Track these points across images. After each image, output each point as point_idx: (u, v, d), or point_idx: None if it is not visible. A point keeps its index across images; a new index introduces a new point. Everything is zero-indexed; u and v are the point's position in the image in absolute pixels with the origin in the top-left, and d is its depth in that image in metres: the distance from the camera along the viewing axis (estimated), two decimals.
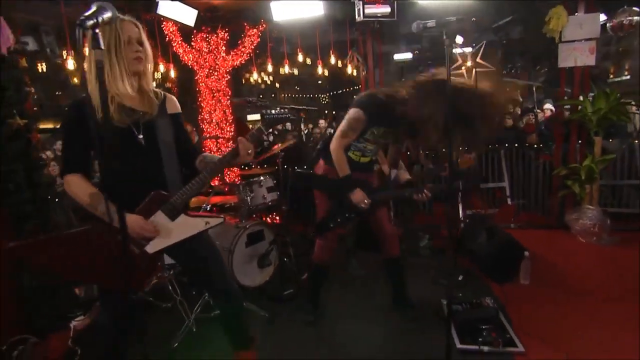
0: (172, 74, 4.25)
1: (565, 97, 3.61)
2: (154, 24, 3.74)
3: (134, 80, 1.49)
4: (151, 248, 1.48)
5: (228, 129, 4.44)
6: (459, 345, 2.16)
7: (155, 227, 1.46)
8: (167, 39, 3.84)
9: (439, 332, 2.31)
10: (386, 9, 3.51)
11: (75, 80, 7.71)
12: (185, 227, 1.50)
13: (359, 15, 3.47)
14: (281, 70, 4.66)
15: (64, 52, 3.46)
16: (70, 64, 3.27)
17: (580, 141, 3.62)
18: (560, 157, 3.73)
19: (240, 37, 4.20)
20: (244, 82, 7.60)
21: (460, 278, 2.97)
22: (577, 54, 3.32)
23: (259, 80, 6.93)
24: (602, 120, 3.22)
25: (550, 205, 3.97)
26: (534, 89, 4.93)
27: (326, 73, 4.34)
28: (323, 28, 4.10)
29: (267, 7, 3.90)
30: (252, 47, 4.19)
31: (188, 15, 3.80)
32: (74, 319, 2.68)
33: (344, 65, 4.05)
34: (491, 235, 2.99)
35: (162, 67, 4.04)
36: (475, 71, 3.52)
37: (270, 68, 4.44)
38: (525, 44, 5.28)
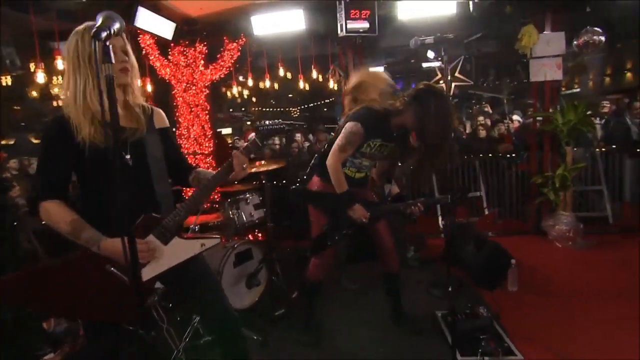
0: (149, 88, 4.09)
1: (531, 110, 3.83)
2: (130, 37, 3.59)
3: (118, 93, 1.37)
4: (144, 275, 1.34)
5: (207, 144, 4.32)
6: (459, 358, 2.16)
7: (150, 250, 1.34)
8: (144, 52, 3.71)
9: (439, 344, 2.35)
10: (365, 25, 3.59)
11: (34, 93, 7.23)
12: (179, 250, 1.40)
13: (341, 30, 3.52)
14: (261, 85, 4.61)
15: (32, 65, 3.23)
16: (41, 77, 3.04)
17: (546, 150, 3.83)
18: (535, 166, 3.92)
19: (219, 51, 4.13)
20: (228, 95, 7.43)
21: (450, 289, 2.99)
22: (547, 69, 3.53)
23: (236, 94, 6.82)
24: (572, 131, 3.42)
25: (528, 212, 4.14)
26: (505, 100, 5.19)
27: (307, 87, 4.34)
28: (304, 42, 4.11)
29: (248, 21, 3.87)
30: (232, 61, 4.12)
31: (166, 28, 3.69)
32: (43, 357, 2.46)
33: (326, 80, 4.08)
34: (480, 244, 3.06)
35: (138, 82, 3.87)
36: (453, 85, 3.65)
37: (250, 82, 4.38)
38: (496, 59, 5.58)
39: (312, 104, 15.17)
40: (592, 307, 2.61)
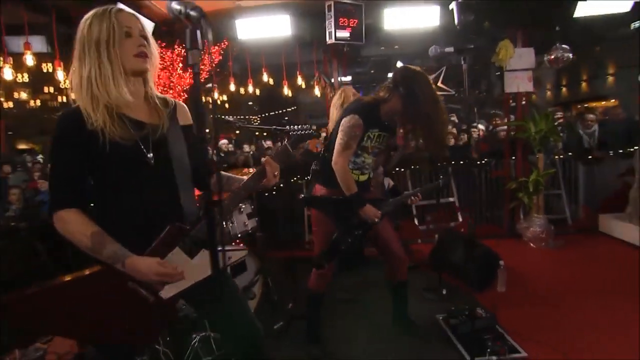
0: None
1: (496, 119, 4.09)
2: None
3: (136, 83, 1.23)
4: (166, 293, 1.22)
5: None
6: (467, 358, 2.20)
7: (176, 270, 1.19)
8: None
9: (445, 346, 2.38)
10: (346, 34, 3.63)
11: None
12: (205, 264, 1.22)
13: (330, 37, 3.53)
14: (242, 90, 4.48)
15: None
16: (8, 74, 2.68)
17: (511, 157, 4.10)
18: (508, 172, 4.17)
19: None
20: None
21: (444, 292, 3.07)
22: (519, 82, 3.80)
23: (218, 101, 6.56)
24: (543, 139, 3.70)
25: (503, 217, 4.38)
26: (475, 110, 5.50)
27: (290, 94, 4.29)
28: (289, 49, 4.08)
29: (231, 25, 3.76)
30: (213, 66, 3.97)
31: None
32: None
33: (311, 87, 4.06)
34: (470, 247, 3.17)
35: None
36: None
37: (232, 87, 4.24)
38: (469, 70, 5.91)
39: (270, 113, 15.01)
40: (577, 302, 2.80)
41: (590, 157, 4.80)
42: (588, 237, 4.12)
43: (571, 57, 3.64)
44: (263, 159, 1.39)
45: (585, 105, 12.30)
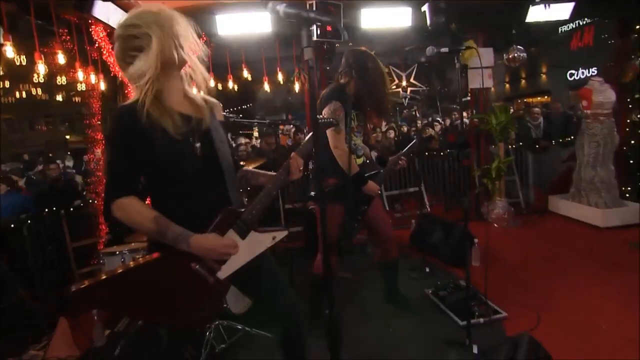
0: (102, 85, 3.63)
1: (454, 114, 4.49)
2: (81, 27, 3.19)
3: (176, 79, 1.32)
4: (223, 273, 1.31)
5: None
6: (461, 322, 2.48)
7: (236, 244, 1.30)
8: (97, 45, 3.30)
9: (437, 316, 2.65)
10: (326, 32, 3.79)
11: None
12: (254, 244, 1.37)
13: (312, 36, 3.65)
14: (223, 86, 4.45)
15: None
16: None
17: (482, 147, 4.55)
18: (474, 161, 4.60)
19: None
20: None
21: (427, 270, 3.36)
22: (480, 78, 4.20)
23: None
24: (503, 130, 4.14)
25: (470, 201, 4.80)
26: (439, 105, 5.92)
27: (268, 89, 4.35)
28: (267, 44, 4.15)
29: (211, 20, 3.76)
30: None
31: (118, 19, 3.36)
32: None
33: (291, 82, 4.15)
34: (449, 229, 3.49)
35: (93, 78, 3.42)
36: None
37: (212, 83, 4.21)
38: (431, 67, 6.32)
39: (243, 106, 14.74)
40: (539, 269, 3.23)
41: (537, 146, 5.41)
42: (540, 216, 4.66)
43: (525, 56, 4.12)
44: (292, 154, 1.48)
45: (525, 99, 13.63)
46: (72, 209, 4.27)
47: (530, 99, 13.79)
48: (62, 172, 6.07)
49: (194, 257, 1.25)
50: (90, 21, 3.14)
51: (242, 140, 6.68)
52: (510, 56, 4.14)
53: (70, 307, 3.25)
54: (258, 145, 6.43)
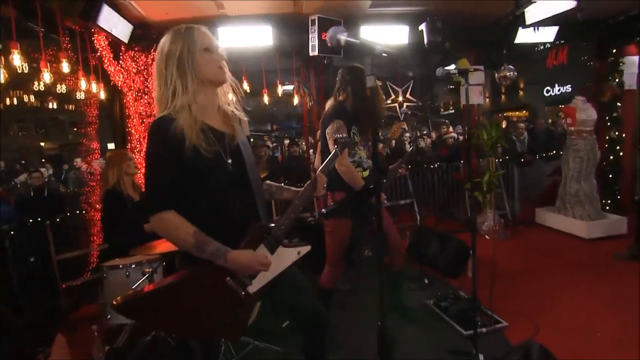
0: (102, 95, 3.58)
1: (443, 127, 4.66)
2: (84, 35, 3.15)
3: (212, 94, 1.36)
4: (253, 287, 1.33)
5: None
6: (465, 332, 2.55)
7: (269, 261, 1.32)
8: (98, 54, 3.26)
9: (439, 325, 2.71)
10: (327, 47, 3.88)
11: None
12: (281, 259, 1.39)
13: (313, 50, 3.75)
14: None
15: None
16: None
17: (473, 161, 4.72)
18: (465, 174, 4.75)
19: None
20: None
21: (426, 281, 3.44)
22: (472, 95, 4.38)
23: None
24: (494, 145, 4.32)
25: (460, 213, 4.95)
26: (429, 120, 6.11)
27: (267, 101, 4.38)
28: (267, 57, 4.21)
29: (213, 32, 3.78)
30: None
31: (123, 30, 3.35)
32: None
33: (290, 95, 4.20)
34: (445, 241, 3.58)
35: (94, 87, 3.36)
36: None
37: None
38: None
39: None
40: (532, 278, 3.36)
41: (522, 160, 5.64)
42: (528, 227, 4.84)
43: (515, 75, 4.34)
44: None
45: (505, 114, 14.17)
46: (58, 220, 4.15)
47: (510, 113, 14.38)
48: (45, 180, 5.89)
49: (227, 271, 1.27)
50: (92, 30, 3.12)
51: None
52: (501, 75, 4.35)
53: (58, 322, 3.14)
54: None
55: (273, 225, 1.38)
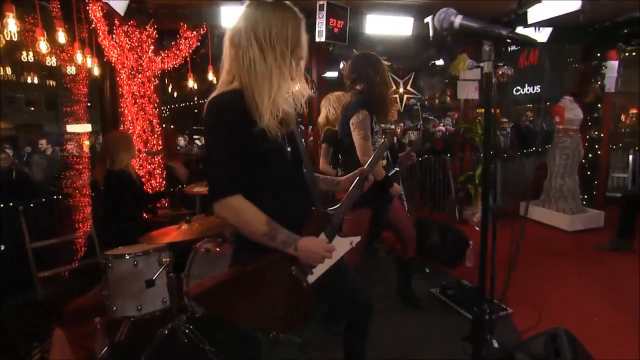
0: (96, 71, 3.29)
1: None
2: (78, 5, 2.87)
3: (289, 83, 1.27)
4: (313, 277, 1.30)
5: (154, 142, 3.75)
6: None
7: (334, 248, 1.29)
8: (92, 26, 2.98)
9: (445, 313, 2.78)
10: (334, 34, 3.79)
11: None
12: (338, 249, 1.34)
13: (320, 36, 3.66)
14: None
15: None
16: None
17: (466, 154, 4.87)
18: (457, 167, 4.89)
19: (174, 37, 3.67)
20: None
21: (427, 270, 3.51)
22: (468, 90, 4.49)
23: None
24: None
25: (452, 205, 5.10)
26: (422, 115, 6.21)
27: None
28: None
29: (215, 11, 3.60)
30: (189, 52, 3.72)
31: (119, 2, 3.10)
32: None
33: None
34: (445, 232, 3.67)
35: (89, 61, 3.08)
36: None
37: (211, 76, 4.01)
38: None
39: (180, 104, 13.96)
40: (524, 266, 3.52)
41: (505, 155, 5.89)
42: (513, 220, 5.06)
43: (512, 72, 4.48)
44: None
45: (478, 110, 14.86)
46: (32, 205, 3.86)
47: (482, 110, 15.09)
48: (12, 162, 5.40)
49: (292, 260, 1.22)
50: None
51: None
52: (498, 72, 4.48)
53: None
54: None
55: (332, 213, 1.34)
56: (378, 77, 2.33)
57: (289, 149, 1.28)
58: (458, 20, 1.08)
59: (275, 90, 1.18)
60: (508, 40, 1.04)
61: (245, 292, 1.16)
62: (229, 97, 1.17)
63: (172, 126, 8.85)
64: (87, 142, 3.69)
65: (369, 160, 1.52)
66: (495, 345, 2.31)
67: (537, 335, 1.96)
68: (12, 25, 1.93)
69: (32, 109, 17.50)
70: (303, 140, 1.46)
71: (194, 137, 10.50)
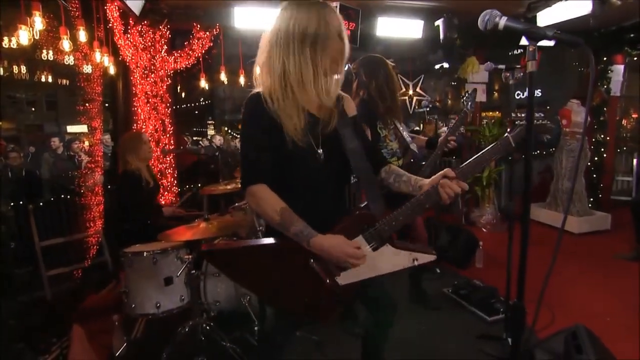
0: (112, 70, 3.31)
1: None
2: (97, 5, 2.89)
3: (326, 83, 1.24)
4: (344, 279, 1.24)
5: (166, 142, 3.77)
6: (489, 319, 2.66)
7: (362, 253, 1.19)
8: (110, 25, 3.00)
9: (459, 312, 2.81)
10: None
11: None
12: (387, 261, 1.23)
13: None
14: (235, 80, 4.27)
15: None
16: None
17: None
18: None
19: (187, 37, 3.70)
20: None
21: (438, 271, 3.53)
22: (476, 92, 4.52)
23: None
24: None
25: (459, 207, 5.11)
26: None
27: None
28: None
29: (228, 12, 3.63)
30: (202, 52, 3.74)
31: (135, 2, 3.12)
32: None
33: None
34: (455, 232, 3.69)
35: (106, 60, 3.10)
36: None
37: (223, 76, 4.03)
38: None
39: (184, 105, 13.96)
40: (532, 267, 3.54)
41: (510, 157, 5.91)
42: (519, 222, 5.08)
43: (522, 75, 4.51)
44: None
45: (481, 114, 14.96)
46: (41, 204, 3.87)
47: (485, 113, 15.14)
48: (22, 161, 5.41)
49: (313, 253, 1.20)
50: None
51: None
52: (507, 74, 4.51)
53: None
54: None
55: (379, 217, 1.23)
56: (379, 82, 2.25)
57: (320, 151, 1.25)
58: (503, 21, 1.10)
59: (299, 96, 1.20)
60: (552, 41, 1.06)
61: (258, 265, 1.22)
62: (254, 97, 1.23)
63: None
64: (106, 138, 3.68)
65: (464, 166, 1.29)
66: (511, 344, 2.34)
67: (556, 333, 1.98)
68: (38, 23, 1.94)
69: (33, 109, 17.46)
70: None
71: (195, 138, 10.50)
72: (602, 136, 4.97)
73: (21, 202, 3.74)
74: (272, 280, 1.23)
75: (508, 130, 1.41)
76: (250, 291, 1.42)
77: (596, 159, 5.00)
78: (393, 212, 1.24)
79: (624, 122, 7.44)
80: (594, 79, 3.87)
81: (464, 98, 2.21)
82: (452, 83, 5.15)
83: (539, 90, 13.36)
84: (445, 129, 6.65)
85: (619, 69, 4.81)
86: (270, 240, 1.24)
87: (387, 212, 1.25)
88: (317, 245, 1.16)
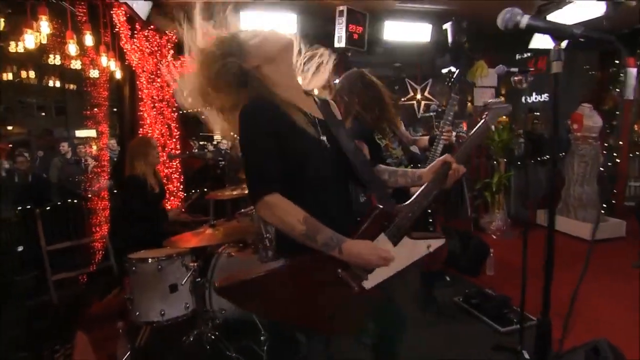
0: (118, 74, 3.31)
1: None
2: (104, 10, 2.88)
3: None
4: (370, 282, 1.18)
5: (172, 146, 3.75)
6: (502, 329, 2.57)
7: (392, 256, 1.14)
8: (116, 30, 3.00)
9: (470, 322, 2.72)
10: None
11: None
12: (406, 253, 1.21)
13: (339, 41, 3.67)
14: None
15: None
16: None
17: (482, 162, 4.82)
18: (474, 174, 4.84)
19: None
20: None
21: (448, 279, 3.45)
22: (485, 97, 4.46)
23: None
24: (505, 147, 4.42)
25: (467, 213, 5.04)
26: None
27: None
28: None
29: (234, 16, 3.61)
30: None
31: (142, 6, 3.12)
32: None
33: None
34: (466, 239, 3.61)
35: (112, 65, 3.09)
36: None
37: None
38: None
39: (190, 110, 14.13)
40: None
41: (519, 162, 5.82)
42: (530, 228, 4.97)
43: (531, 80, 4.44)
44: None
45: None
46: (48, 208, 3.87)
47: None
48: (29, 166, 5.43)
49: (339, 261, 1.15)
50: (111, 2, 2.88)
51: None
52: (516, 78, 4.44)
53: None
54: None
55: (398, 212, 1.20)
56: (359, 96, 2.19)
57: (323, 138, 1.23)
58: (525, 20, 1.04)
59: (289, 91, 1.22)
60: (581, 40, 1.00)
61: (279, 291, 1.13)
62: (257, 105, 1.18)
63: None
64: (112, 143, 3.67)
65: (459, 149, 1.32)
66: (526, 356, 2.26)
67: (577, 347, 1.90)
68: (45, 27, 1.93)
69: (43, 114, 17.66)
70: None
71: (201, 143, 10.54)
72: (612, 141, 4.88)
73: (28, 207, 3.75)
74: (300, 303, 1.15)
75: (485, 115, 1.44)
76: (278, 321, 1.30)
77: (609, 164, 4.89)
78: (405, 205, 1.21)
79: (635, 127, 7.31)
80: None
81: (449, 83, 2.07)
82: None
83: (546, 94, 13.30)
84: (454, 134, 6.57)
85: (631, 72, 4.71)
86: (288, 262, 1.17)
87: (398, 206, 1.22)
88: (351, 251, 1.11)
